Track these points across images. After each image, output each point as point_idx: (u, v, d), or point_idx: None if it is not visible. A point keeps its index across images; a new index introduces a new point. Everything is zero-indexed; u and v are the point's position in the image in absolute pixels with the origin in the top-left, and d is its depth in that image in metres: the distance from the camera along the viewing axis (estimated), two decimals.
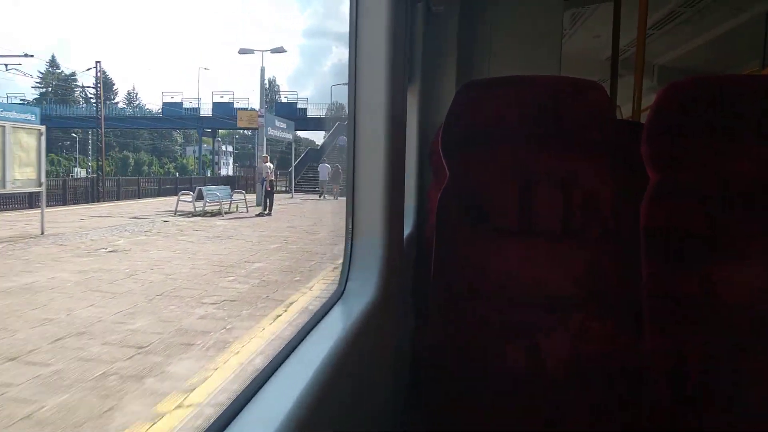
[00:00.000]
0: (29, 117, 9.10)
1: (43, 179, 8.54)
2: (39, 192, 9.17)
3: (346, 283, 1.20)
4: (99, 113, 24.09)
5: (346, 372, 0.93)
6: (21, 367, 3.33)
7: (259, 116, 19.65)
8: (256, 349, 3.69)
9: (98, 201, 16.96)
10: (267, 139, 19.09)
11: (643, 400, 1.29)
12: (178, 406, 2.90)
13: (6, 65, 22.76)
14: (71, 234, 8.91)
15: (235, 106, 30.69)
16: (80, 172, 37.73)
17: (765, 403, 1.21)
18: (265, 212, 13.49)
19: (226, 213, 13.63)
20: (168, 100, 32.66)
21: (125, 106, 44.26)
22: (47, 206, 10.19)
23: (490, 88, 1.43)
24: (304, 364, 0.84)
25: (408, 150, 2.12)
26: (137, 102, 48.39)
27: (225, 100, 31.71)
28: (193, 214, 12.81)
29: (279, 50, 23.68)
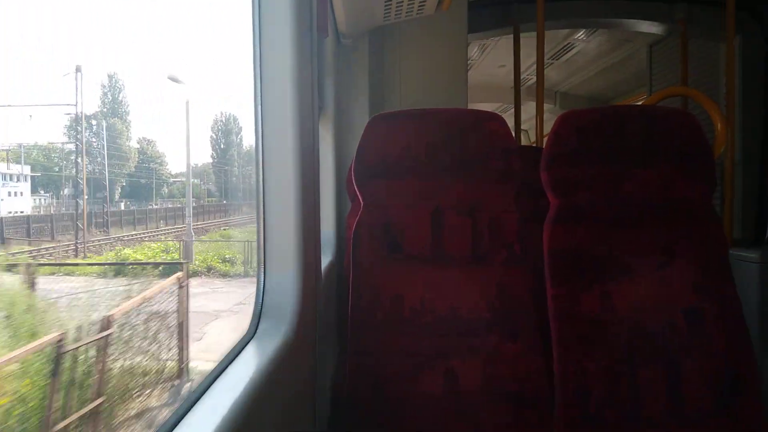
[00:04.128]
0: None
1: None
2: None
3: (258, 323, 1.13)
4: None
5: (259, 417, 0.86)
6: None
7: None
8: None
9: None
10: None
11: (554, 420, 1.31)
12: None
13: None
14: None
15: None
16: None
17: (659, 414, 1.27)
18: None
19: None
20: None
21: None
22: None
23: (397, 120, 1.44)
24: (212, 414, 0.76)
25: (324, 179, 2.10)
26: None
27: None
28: None
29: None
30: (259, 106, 1.15)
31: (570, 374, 1.31)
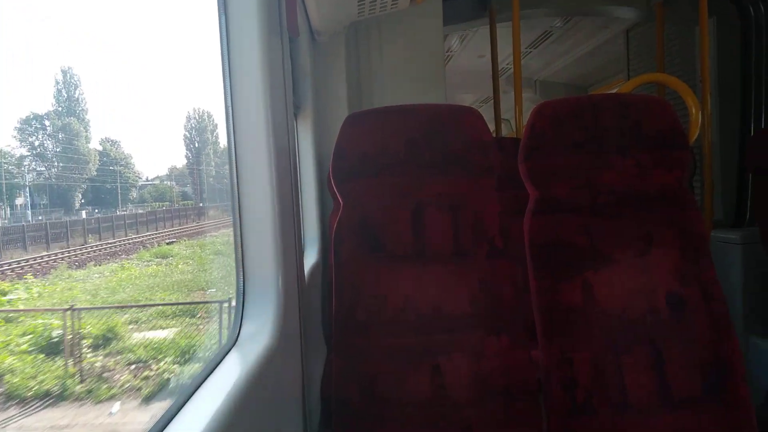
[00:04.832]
0: None
1: None
2: None
3: (240, 328, 1.11)
4: None
5: (245, 424, 0.84)
6: None
7: None
8: None
9: None
10: None
11: (543, 411, 1.32)
12: None
13: None
14: None
15: None
16: None
17: (646, 401, 1.28)
18: None
19: None
20: None
21: None
22: None
23: (373, 118, 1.42)
24: (195, 422, 0.74)
25: (305, 178, 2.09)
26: None
27: None
28: None
29: None
30: (230, 107, 1.13)
31: (556, 365, 1.31)
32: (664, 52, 3.09)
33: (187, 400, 0.83)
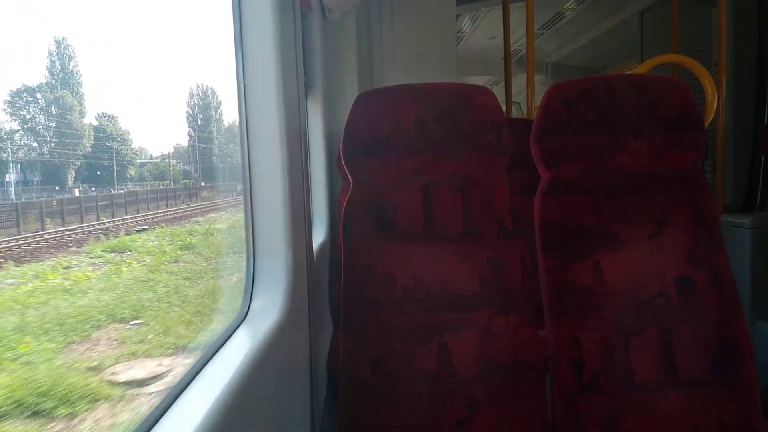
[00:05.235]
0: None
1: None
2: None
3: (250, 303, 1.13)
4: None
5: (255, 397, 0.86)
6: None
7: None
8: None
9: None
10: None
11: (549, 390, 1.33)
12: None
13: None
14: None
15: None
16: None
17: (653, 382, 1.29)
18: None
19: None
20: None
21: None
22: None
23: (384, 96, 1.42)
24: (205, 395, 0.76)
25: (315, 157, 2.09)
26: None
27: None
28: None
29: None
30: (242, 84, 1.13)
31: (563, 345, 1.32)
32: (679, 35, 3.04)
33: (198, 372, 0.85)
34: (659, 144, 1.37)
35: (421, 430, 1.30)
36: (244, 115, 1.13)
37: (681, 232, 1.35)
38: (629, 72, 4.56)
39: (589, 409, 1.29)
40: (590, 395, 1.30)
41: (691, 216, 1.36)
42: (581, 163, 1.39)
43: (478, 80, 6.64)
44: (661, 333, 1.30)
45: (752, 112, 2.87)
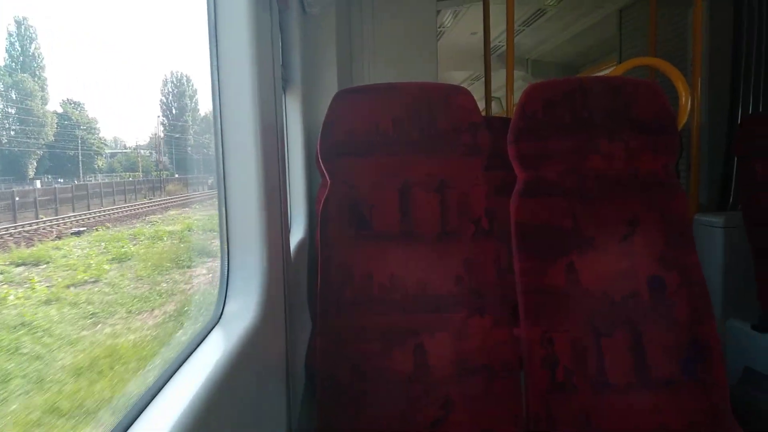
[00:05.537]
0: None
1: None
2: None
3: (224, 305, 1.11)
4: None
5: (229, 398, 0.85)
6: None
7: None
8: None
9: None
10: None
11: (523, 389, 1.34)
12: None
13: None
14: None
15: None
16: None
17: (625, 381, 1.31)
18: None
19: None
20: None
21: None
22: None
23: (362, 95, 1.40)
24: (178, 398, 0.74)
25: (294, 153, 2.06)
26: None
27: None
28: None
29: None
30: (216, 77, 1.10)
31: (537, 345, 1.33)
32: (657, 34, 3.07)
33: (170, 378, 0.83)
34: (633, 146, 1.38)
35: (398, 430, 1.30)
36: (218, 109, 1.10)
37: (653, 234, 1.37)
38: (608, 70, 4.61)
39: (562, 407, 1.31)
40: (563, 394, 1.31)
41: (663, 218, 1.37)
42: (557, 164, 1.39)
43: (459, 75, 6.64)
44: (633, 333, 1.32)
45: (727, 111, 2.91)
